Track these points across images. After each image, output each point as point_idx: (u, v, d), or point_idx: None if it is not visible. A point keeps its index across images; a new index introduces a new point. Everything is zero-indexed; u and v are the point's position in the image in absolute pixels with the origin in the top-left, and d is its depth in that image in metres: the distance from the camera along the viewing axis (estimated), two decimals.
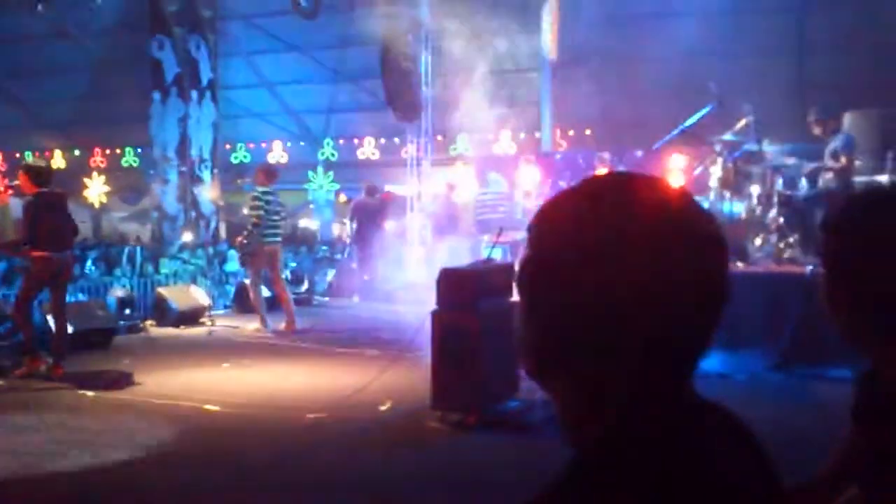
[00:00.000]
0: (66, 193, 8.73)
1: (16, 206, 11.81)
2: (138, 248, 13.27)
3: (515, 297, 1.02)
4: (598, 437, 0.94)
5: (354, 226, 14.45)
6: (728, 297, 0.97)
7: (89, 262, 12.51)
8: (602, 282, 0.93)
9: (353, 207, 14.88)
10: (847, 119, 9.68)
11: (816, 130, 9.06)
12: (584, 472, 0.91)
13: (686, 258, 0.94)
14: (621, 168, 14.01)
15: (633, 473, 0.88)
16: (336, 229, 21.74)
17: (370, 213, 14.40)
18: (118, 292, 11.21)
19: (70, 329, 8.45)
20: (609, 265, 0.93)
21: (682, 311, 0.94)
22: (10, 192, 13.58)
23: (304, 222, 22.36)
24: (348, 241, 15.09)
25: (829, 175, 8.88)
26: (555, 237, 0.98)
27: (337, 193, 22.17)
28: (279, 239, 10.75)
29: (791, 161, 9.23)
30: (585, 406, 0.98)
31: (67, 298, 8.68)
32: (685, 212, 0.97)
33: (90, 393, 7.31)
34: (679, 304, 0.94)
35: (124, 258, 12.84)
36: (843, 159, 8.71)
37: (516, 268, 1.05)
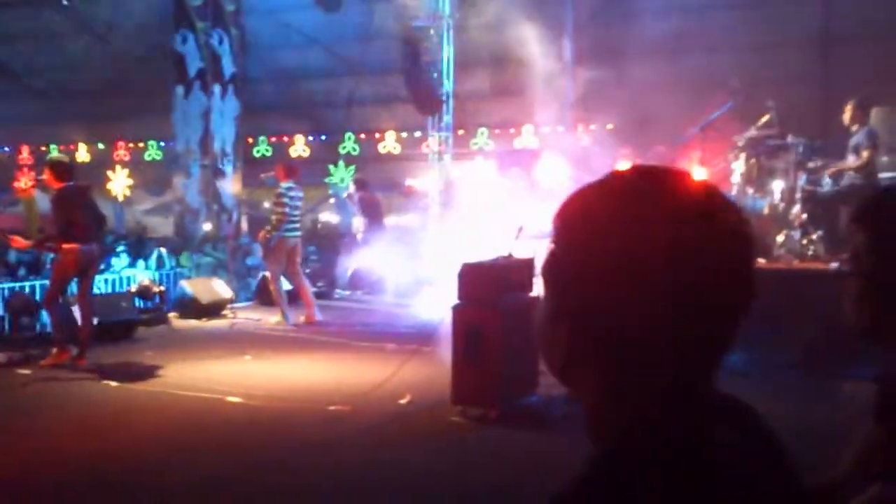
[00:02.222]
0: (90, 186, 8.88)
1: (41, 199, 11.92)
2: (161, 241, 13.37)
3: (537, 292, 1.02)
4: (621, 432, 0.95)
5: (365, 221, 14.54)
6: (754, 294, 0.96)
7: (114, 255, 12.63)
8: (628, 277, 0.93)
9: (358, 203, 14.77)
10: (873, 114, 9.58)
11: (847, 117, 8.95)
12: (606, 467, 0.92)
13: (714, 253, 0.93)
14: (644, 163, 13.91)
15: (654, 469, 0.89)
16: (356, 223, 21.77)
17: (372, 208, 14.47)
18: (142, 285, 11.31)
19: (94, 321, 8.55)
20: (636, 261, 0.92)
21: (709, 306, 0.94)
22: (35, 185, 13.72)
23: (324, 217, 22.40)
24: (359, 236, 15.00)
25: (852, 171, 8.83)
26: (581, 232, 0.98)
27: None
28: (299, 234, 10.98)
29: (815, 163, 9.16)
30: (609, 402, 0.98)
31: (92, 290, 8.80)
32: (713, 206, 0.96)
33: (113, 383, 7.40)
34: (707, 300, 0.93)
35: (148, 251, 12.96)
36: (865, 154, 8.65)
37: (539, 262, 1.04)
